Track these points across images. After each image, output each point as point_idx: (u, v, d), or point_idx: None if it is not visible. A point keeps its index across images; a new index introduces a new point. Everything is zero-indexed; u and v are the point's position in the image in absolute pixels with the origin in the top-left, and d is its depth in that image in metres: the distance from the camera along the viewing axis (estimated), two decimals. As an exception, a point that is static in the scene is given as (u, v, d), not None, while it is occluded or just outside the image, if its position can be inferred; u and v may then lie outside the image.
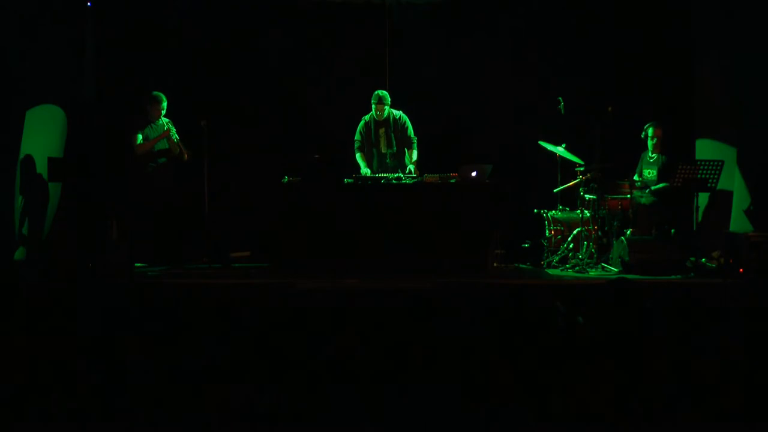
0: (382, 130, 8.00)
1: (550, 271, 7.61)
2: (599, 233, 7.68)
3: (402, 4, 8.84)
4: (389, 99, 7.90)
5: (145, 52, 8.55)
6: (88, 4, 8.39)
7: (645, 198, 7.74)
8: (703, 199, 7.97)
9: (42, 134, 7.84)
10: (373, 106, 7.87)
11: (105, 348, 3.99)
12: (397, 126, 7.97)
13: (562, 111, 7.94)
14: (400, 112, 8.01)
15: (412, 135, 7.98)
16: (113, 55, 8.53)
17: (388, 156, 7.99)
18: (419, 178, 7.54)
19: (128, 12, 8.56)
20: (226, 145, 8.37)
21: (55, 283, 6.71)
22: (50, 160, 7.71)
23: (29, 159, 7.70)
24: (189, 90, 8.53)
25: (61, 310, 4.97)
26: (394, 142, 7.98)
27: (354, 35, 8.82)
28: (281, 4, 8.77)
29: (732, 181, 7.87)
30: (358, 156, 8.02)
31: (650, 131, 7.83)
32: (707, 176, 7.31)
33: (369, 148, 8.05)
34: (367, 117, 8.03)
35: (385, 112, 7.91)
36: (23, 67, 7.60)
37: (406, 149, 7.98)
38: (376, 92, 7.90)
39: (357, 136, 8.05)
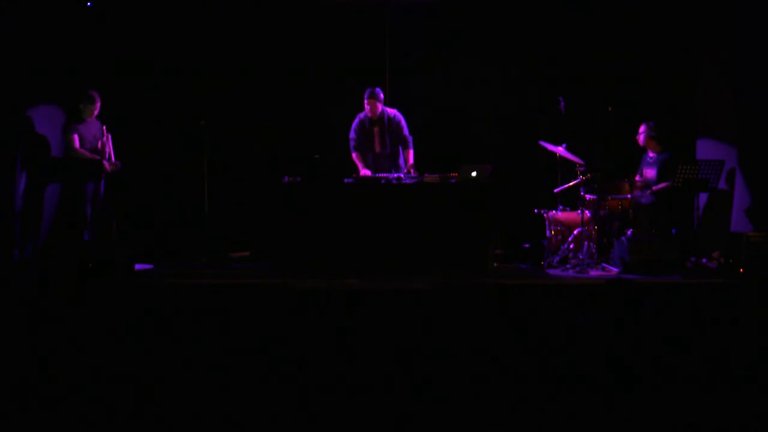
0: (376, 129, 7.92)
1: (551, 271, 7.62)
2: (599, 233, 7.67)
3: (402, 4, 8.83)
4: (381, 96, 7.85)
5: (145, 52, 8.55)
6: (88, 4, 8.39)
7: (645, 198, 7.75)
8: (702, 199, 7.98)
9: (42, 134, 7.84)
10: (366, 102, 7.82)
11: (105, 347, 3.99)
12: (392, 125, 7.91)
13: (562, 111, 7.94)
14: (395, 110, 7.98)
15: (407, 134, 7.93)
16: (113, 55, 8.52)
17: (382, 156, 7.95)
18: (419, 178, 7.53)
19: (128, 12, 8.56)
20: (226, 145, 8.38)
21: (55, 282, 6.71)
22: (49, 160, 7.69)
23: (29, 159, 7.69)
24: (189, 90, 8.54)
25: (61, 309, 4.98)
26: (388, 142, 7.93)
27: (354, 35, 8.82)
28: (281, 4, 8.77)
29: (732, 181, 7.87)
30: (354, 156, 7.96)
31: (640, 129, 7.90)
32: (708, 176, 7.31)
33: (364, 147, 7.97)
34: (362, 115, 7.97)
35: (378, 109, 7.87)
36: (23, 67, 7.60)
37: (401, 148, 7.96)
38: (367, 89, 7.85)
39: (352, 134, 7.97)
